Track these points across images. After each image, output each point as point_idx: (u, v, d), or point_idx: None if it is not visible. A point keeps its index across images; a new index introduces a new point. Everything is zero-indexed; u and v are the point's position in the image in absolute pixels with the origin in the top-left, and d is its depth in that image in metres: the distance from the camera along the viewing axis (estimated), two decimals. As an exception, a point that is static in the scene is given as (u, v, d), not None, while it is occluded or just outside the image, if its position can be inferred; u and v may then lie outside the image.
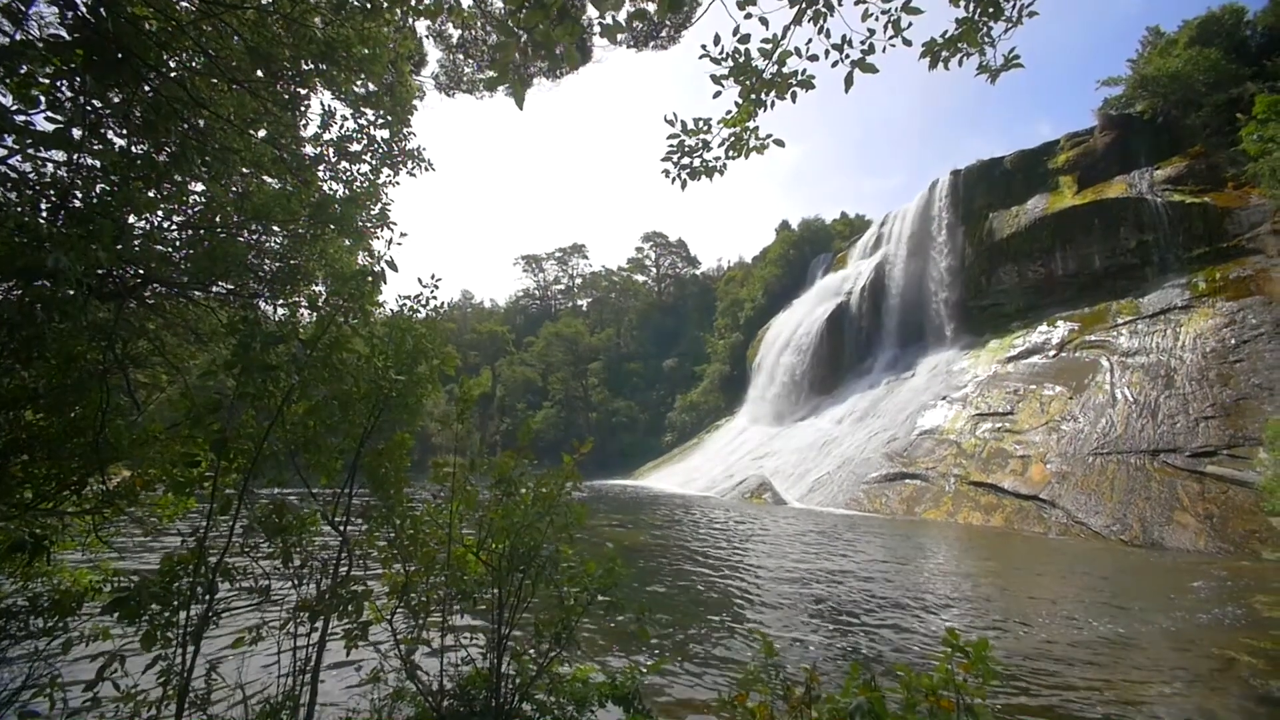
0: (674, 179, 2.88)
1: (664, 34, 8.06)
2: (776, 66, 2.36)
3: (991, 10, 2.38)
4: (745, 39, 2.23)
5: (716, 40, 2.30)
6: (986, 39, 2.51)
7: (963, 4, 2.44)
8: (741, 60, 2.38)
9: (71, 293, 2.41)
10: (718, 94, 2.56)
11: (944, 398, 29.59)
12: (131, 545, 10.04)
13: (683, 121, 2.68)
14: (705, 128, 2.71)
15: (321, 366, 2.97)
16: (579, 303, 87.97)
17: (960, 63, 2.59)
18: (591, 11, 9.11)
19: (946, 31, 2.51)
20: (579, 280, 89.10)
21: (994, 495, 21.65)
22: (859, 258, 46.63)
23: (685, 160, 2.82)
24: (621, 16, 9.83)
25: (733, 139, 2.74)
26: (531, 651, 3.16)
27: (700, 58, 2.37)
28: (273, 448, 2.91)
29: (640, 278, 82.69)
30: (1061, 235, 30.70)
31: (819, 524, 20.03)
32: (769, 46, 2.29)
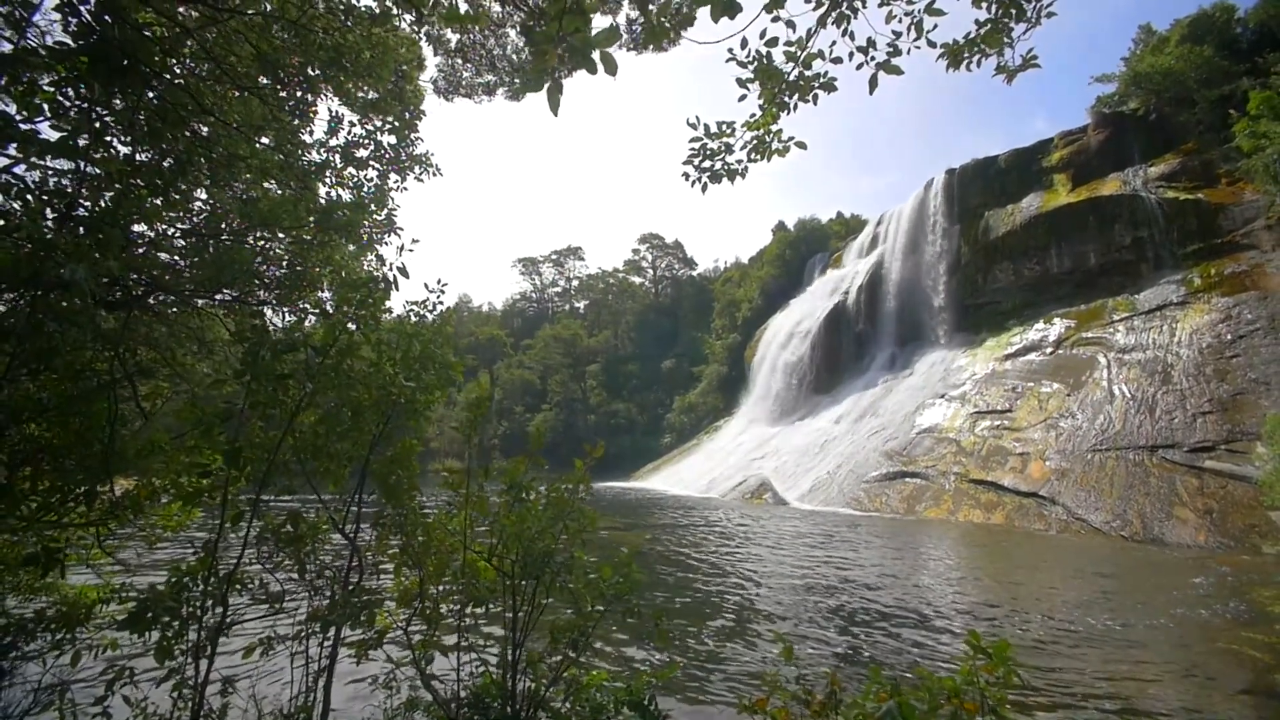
0: (694, 182, 2.87)
1: (665, 38, 8.04)
2: (801, 69, 2.36)
3: (1014, 11, 2.39)
4: (773, 42, 2.22)
5: (744, 44, 2.29)
6: (1006, 40, 2.52)
7: (985, 5, 2.46)
8: (765, 64, 2.38)
9: (79, 303, 2.38)
10: (743, 97, 2.55)
11: (942, 396, 29.66)
12: (135, 557, 9.95)
13: (705, 125, 2.67)
14: (729, 131, 2.71)
15: (332, 373, 2.95)
16: (576, 305, 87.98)
17: (978, 63, 2.60)
18: (595, 20, 9.07)
19: (970, 33, 2.52)
20: (575, 282, 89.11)
21: (994, 493, 21.69)
22: (855, 257, 46.74)
23: (707, 163, 2.81)
24: (622, 19, 9.83)
25: (755, 141, 2.73)
26: (548, 660, 3.14)
27: (727, 61, 2.35)
28: (284, 456, 2.88)
29: (637, 279, 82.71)
30: (1057, 233, 30.82)
31: (820, 524, 20.04)
32: (794, 49, 2.28)
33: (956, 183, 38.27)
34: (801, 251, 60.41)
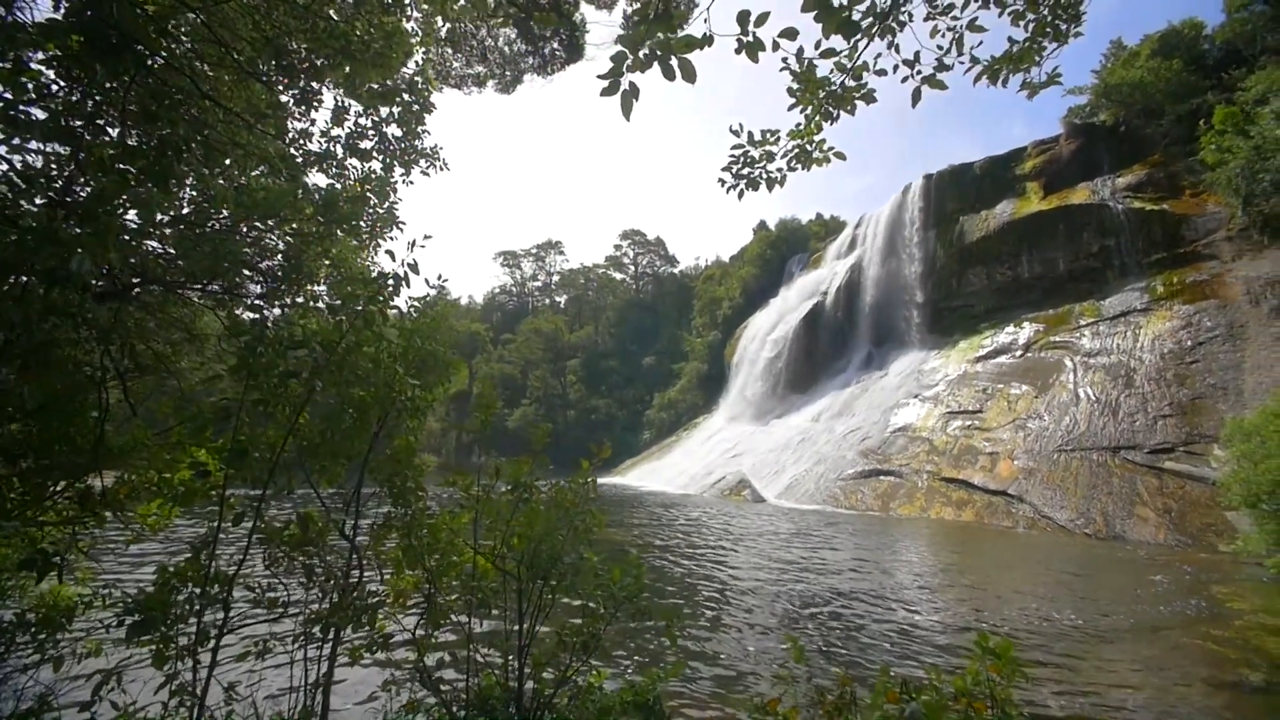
0: (730, 188, 2.87)
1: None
2: (852, 81, 2.39)
3: (1049, 32, 2.46)
4: (829, 53, 2.24)
5: (800, 56, 2.30)
6: (1037, 58, 2.60)
7: (1023, 25, 2.52)
8: (814, 75, 2.39)
9: (75, 295, 2.28)
10: (793, 106, 2.57)
11: (916, 396, 30.33)
12: (113, 557, 9.59)
13: (749, 132, 2.67)
14: (772, 139, 2.71)
15: (338, 370, 2.88)
16: (556, 299, 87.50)
17: (1007, 79, 2.67)
18: (590, 14, 9.00)
19: (1008, 50, 2.59)
20: (556, 277, 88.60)
21: (965, 491, 22.28)
22: (834, 259, 47.40)
23: (746, 170, 2.82)
24: (618, 14, 9.75)
25: (797, 151, 2.75)
26: (556, 662, 3.12)
27: (781, 70, 2.37)
28: (287, 455, 2.81)
29: (618, 275, 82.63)
30: (1028, 239, 31.71)
31: (798, 522, 20.32)
32: (845, 61, 2.31)
33: (933, 188, 39.06)
34: (782, 251, 61.03)
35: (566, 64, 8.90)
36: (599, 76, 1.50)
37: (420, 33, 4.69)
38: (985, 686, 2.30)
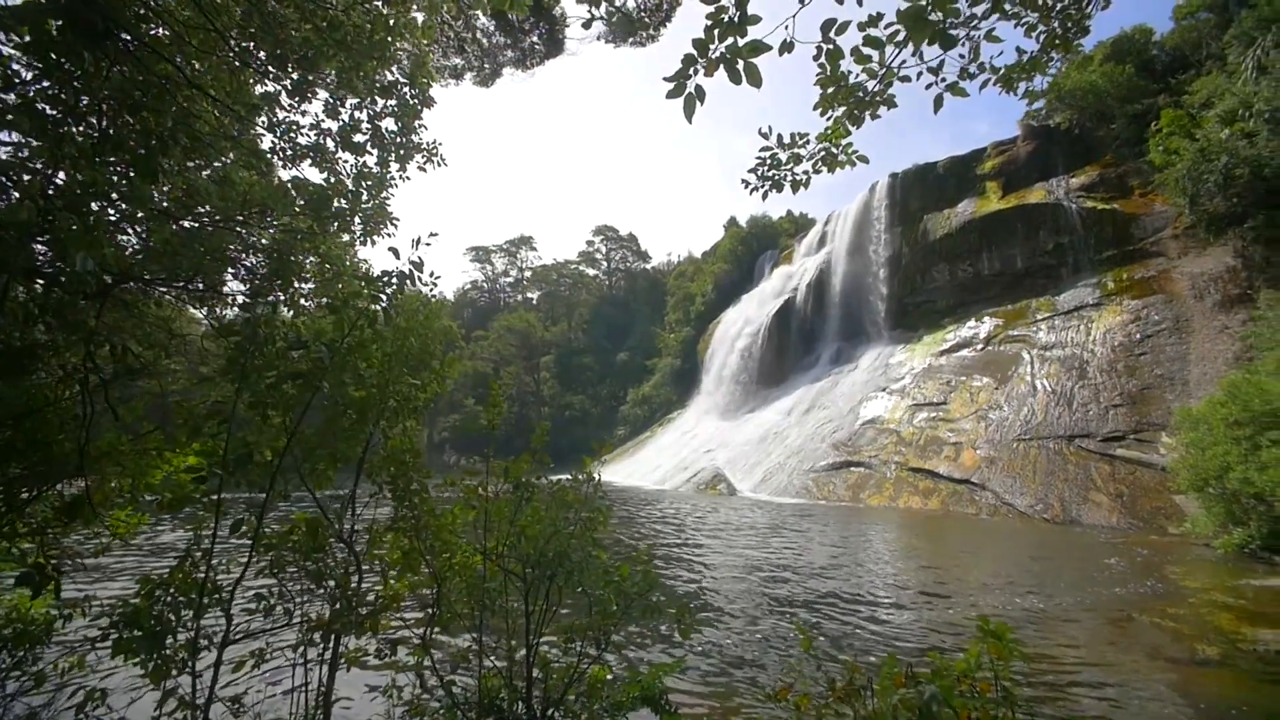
0: (754, 190, 2.92)
1: (643, 33, 7.99)
2: (879, 86, 2.45)
3: (1059, 43, 2.59)
4: (864, 59, 2.29)
5: (834, 61, 2.34)
6: (1049, 67, 2.73)
7: (1034, 36, 2.64)
8: (844, 79, 2.44)
9: (66, 295, 2.16)
10: (821, 109, 2.62)
11: (884, 389, 31.16)
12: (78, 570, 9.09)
13: (779, 135, 2.72)
14: (802, 142, 2.76)
15: (339, 370, 2.81)
16: (529, 296, 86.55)
17: (1017, 87, 2.80)
18: (569, 7, 8.87)
19: (1021, 59, 2.72)
20: (528, 273, 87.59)
21: (931, 480, 23.03)
22: (804, 255, 48.19)
23: (772, 172, 2.86)
24: (602, 9, 9.67)
25: (823, 153, 2.80)
26: (564, 660, 3.12)
27: (816, 75, 2.41)
28: (294, 458, 2.73)
29: (591, 271, 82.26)
30: (988, 237, 32.84)
31: (774, 514, 20.67)
32: (877, 68, 2.36)
33: (899, 186, 40.09)
34: (753, 248, 61.73)
35: (546, 58, 8.79)
36: (665, 79, 1.50)
37: (417, 21, 4.56)
38: (989, 667, 2.41)
